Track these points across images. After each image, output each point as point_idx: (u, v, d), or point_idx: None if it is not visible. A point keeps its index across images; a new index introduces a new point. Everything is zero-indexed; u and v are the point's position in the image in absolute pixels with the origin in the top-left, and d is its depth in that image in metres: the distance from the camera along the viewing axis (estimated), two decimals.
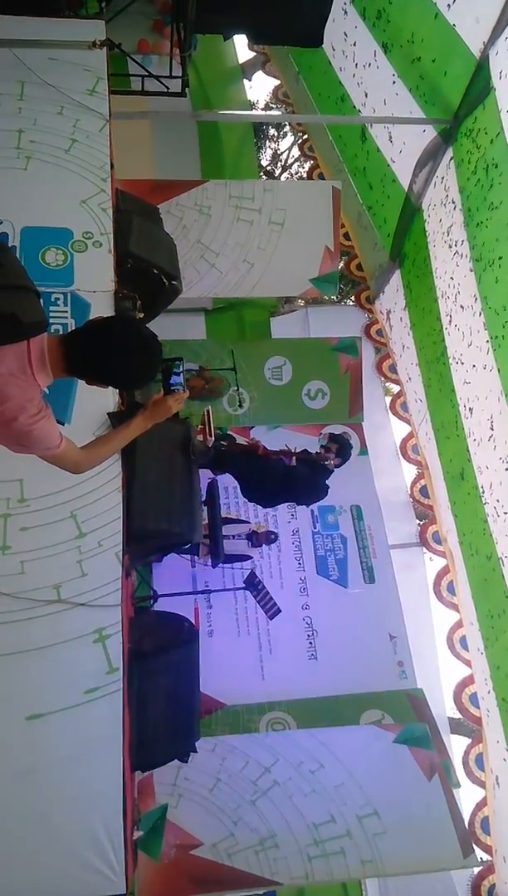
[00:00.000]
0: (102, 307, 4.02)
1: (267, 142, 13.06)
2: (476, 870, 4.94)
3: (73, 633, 3.32)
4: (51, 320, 3.81)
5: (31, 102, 4.43)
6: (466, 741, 5.56)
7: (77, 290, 4.05)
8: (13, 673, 3.21)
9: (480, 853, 4.89)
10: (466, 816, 4.92)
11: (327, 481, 5.41)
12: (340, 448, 5.39)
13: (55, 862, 3.05)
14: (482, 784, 5.31)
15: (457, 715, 5.83)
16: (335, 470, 5.41)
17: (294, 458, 5.37)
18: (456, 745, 5.69)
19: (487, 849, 5.01)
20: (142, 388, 2.30)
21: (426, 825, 4.48)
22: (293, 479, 5.26)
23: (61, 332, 3.74)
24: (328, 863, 4.28)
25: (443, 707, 6.04)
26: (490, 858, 4.97)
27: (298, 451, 5.50)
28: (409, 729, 4.96)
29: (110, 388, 2.20)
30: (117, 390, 3.76)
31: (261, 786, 4.51)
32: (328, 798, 4.51)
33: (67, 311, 3.97)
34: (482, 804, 5.22)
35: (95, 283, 4.09)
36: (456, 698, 5.69)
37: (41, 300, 1.98)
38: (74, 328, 3.85)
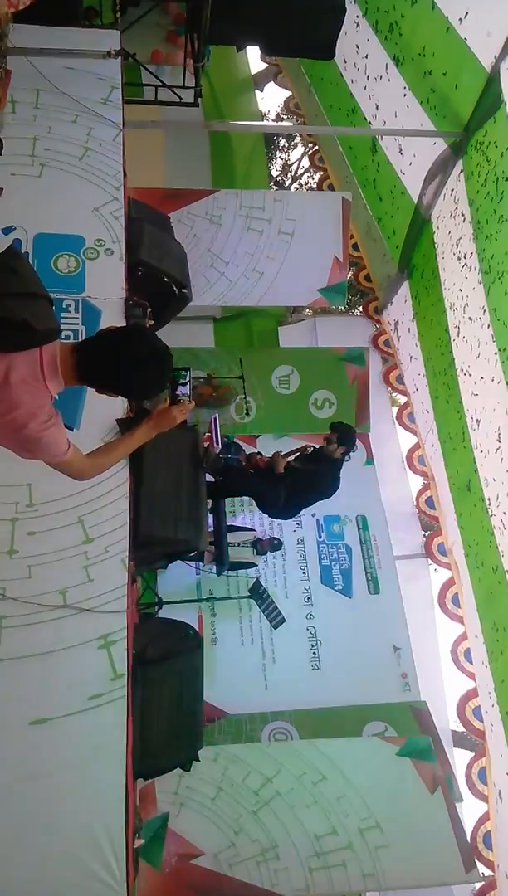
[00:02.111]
0: (112, 314, 4.05)
1: (278, 152, 13.11)
2: (478, 885, 4.90)
3: (78, 639, 3.33)
4: (61, 326, 3.83)
5: (46, 111, 4.48)
6: (469, 755, 5.53)
7: (88, 296, 4.08)
8: (18, 677, 3.21)
9: (482, 868, 4.85)
10: (468, 831, 4.89)
11: (339, 474, 5.29)
12: (341, 435, 5.20)
13: (56, 868, 3.04)
14: (484, 798, 5.27)
15: (460, 728, 5.80)
16: (345, 464, 5.31)
17: (298, 453, 5.32)
18: (459, 759, 5.66)
19: (489, 864, 4.97)
20: (152, 398, 2.32)
21: (429, 839, 4.45)
22: (298, 480, 5.20)
23: (72, 339, 3.79)
24: (329, 875, 4.25)
25: (447, 720, 6.01)
26: (491, 874, 4.93)
27: (295, 450, 5.48)
28: (412, 741, 4.93)
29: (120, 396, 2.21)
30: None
31: (263, 796, 4.49)
32: (329, 810, 4.49)
33: (77, 318, 4.00)
34: (484, 819, 5.18)
35: (105, 291, 4.12)
36: (460, 711, 5.67)
37: (53, 307, 2.00)
38: (84, 335, 3.89)
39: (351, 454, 5.37)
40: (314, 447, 5.48)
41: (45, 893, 3.04)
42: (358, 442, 6.51)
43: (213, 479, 5.26)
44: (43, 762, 3.12)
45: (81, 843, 3.06)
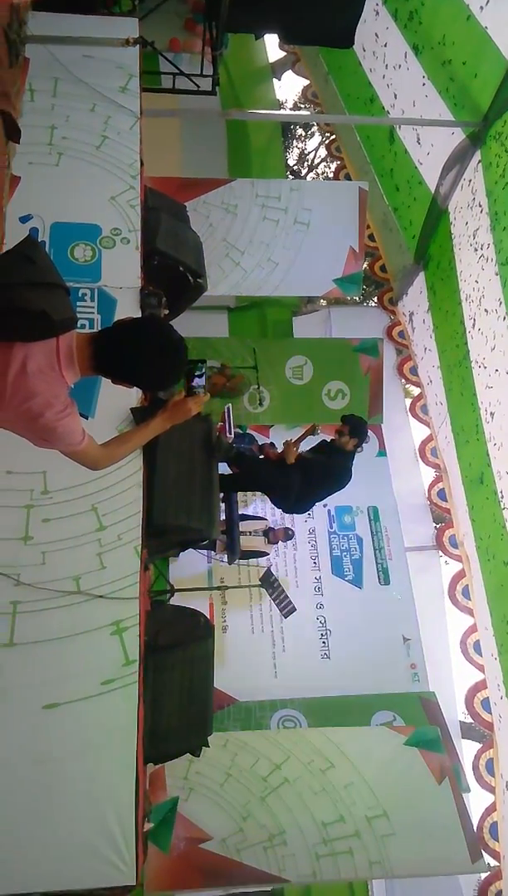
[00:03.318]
0: (128, 303, 4.06)
1: (295, 141, 13.06)
2: (484, 875, 4.94)
3: (91, 625, 3.35)
4: (77, 315, 3.85)
5: (64, 99, 4.48)
6: (477, 746, 5.57)
7: (104, 285, 4.09)
8: (32, 662, 3.24)
9: (488, 858, 4.88)
10: (475, 821, 4.91)
11: (351, 466, 5.24)
12: (352, 427, 5.17)
13: (66, 851, 3.07)
14: (491, 789, 5.30)
15: (469, 719, 5.82)
16: (358, 455, 5.27)
17: (307, 434, 5.37)
18: (467, 750, 5.69)
19: (495, 854, 5.00)
20: (167, 389, 2.33)
21: (436, 828, 4.48)
22: (310, 472, 5.20)
23: (88, 328, 3.81)
24: (335, 862, 4.28)
25: (455, 711, 6.03)
26: (497, 864, 4.97)
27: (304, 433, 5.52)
28: (420, 732, 4.95)
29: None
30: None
31: (271, 782, 4.52)
32: (337, 797, 4.51)
33: (93, 307, 4.01)
34: (491, 809, 5.22)
35: (121, 280, 4.13)
36: (468, 703, 5.69)
37: (70, 296, 2.01)
38: (100, 324, 3.91)
39: (363, 446, 5.37)
40: (326, 439, 5.49)
41: (56, 875, 3.07)
42: (371, 433, 6.52)
43: (227, 473, 5.28)
44: (55, 746, 3.16)
45: (91, 826, 3.10)
